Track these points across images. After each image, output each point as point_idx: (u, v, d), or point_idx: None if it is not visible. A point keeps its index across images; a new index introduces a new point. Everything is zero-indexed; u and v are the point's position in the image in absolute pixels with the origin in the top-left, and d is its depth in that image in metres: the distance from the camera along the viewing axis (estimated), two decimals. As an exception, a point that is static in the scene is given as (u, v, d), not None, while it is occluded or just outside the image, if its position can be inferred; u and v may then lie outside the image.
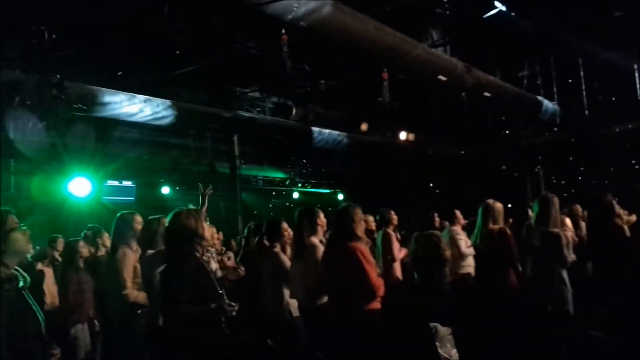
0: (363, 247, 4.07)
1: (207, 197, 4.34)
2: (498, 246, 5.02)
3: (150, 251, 4.07)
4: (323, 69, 10.57)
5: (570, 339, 4.76)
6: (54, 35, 6.44)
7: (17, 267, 2.46)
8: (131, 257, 4.43)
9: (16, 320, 2.27)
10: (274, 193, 18.50)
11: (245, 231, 6.40)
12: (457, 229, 6.53)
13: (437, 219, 6.76)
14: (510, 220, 7.02)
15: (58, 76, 6.40)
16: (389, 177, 14.96)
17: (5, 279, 2.28)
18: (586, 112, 12.39)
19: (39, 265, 5.50)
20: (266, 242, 5.21)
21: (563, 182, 14.32)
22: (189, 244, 3.25)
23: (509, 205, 6.91)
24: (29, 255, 4.55)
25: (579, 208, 7.39)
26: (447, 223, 6.92)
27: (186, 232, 3.25)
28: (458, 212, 6.76)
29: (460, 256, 6.23)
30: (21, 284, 2.37)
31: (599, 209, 5.15)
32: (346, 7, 6.51)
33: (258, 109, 13.68)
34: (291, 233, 5.18)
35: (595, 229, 5.26)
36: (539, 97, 11.67)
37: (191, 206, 3.52)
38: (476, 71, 9.13)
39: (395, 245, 6.61)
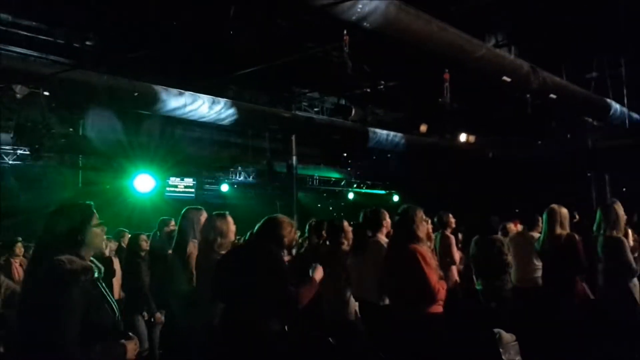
0: (424, 249, 3.96)
1: None
2: (566, 252, 4.84)
3: (217, 249, 4.08)
4: (383, 69, 10.50)
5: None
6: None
7: (92, 258, 2.51)
8: (194, 253, 4.49)
9: (92, 311, 2.30)
10: (325, 194, 18.57)
11: (307, 228, 6.41)
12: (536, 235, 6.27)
13: (500, 224, 6.59)
14: (577, 218, 6.73)
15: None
16: (447, 180, 14.72)
17: (81, 271, 2.31)
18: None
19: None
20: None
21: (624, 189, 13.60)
22: (276, 245, 3.40)
23: (575, 214, 6.63)
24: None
25: None
26: (511, 225, 6.73)
27: (278, 237, 3.42)
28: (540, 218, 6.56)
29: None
30: (96, 274, 2.41)
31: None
32: (410, 8, 6.46)
33: (316, 109, 13.76)
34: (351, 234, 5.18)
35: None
36: (608, 100, 11.22)
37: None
38: (542, 72, 8.88)
39: (455, 248, 6.52)
